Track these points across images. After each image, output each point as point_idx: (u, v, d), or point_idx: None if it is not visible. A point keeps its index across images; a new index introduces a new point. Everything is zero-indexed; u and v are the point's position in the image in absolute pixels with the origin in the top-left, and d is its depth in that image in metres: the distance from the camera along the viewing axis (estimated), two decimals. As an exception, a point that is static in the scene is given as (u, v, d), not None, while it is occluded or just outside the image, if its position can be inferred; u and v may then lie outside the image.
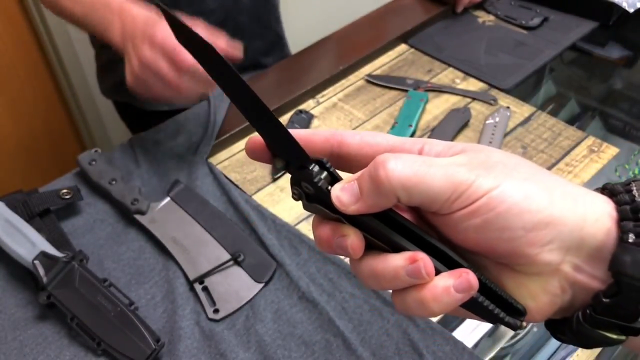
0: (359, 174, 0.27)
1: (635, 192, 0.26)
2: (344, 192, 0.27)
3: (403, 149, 0.29)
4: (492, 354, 0.57)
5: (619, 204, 0.26)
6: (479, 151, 0.27)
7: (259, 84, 0.85)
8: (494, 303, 0.27)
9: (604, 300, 0.26)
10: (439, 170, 0.26)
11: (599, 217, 0.26)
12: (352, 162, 0.30)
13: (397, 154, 0.26)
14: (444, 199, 0.26)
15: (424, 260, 0.26)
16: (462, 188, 0.26)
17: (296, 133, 0.29)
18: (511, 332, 0.58)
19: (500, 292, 0.28)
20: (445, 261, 0.27)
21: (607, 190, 0.28)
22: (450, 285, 0.26)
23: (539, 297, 0.27)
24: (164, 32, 0.62)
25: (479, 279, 0.27)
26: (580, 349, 0.57)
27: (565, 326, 0.28)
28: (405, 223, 0.28)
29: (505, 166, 0.27)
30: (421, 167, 0.26)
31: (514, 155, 0.28)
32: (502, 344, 0.58)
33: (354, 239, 0.28)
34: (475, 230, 0.26)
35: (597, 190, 0.28)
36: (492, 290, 0.28)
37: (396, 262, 0.27)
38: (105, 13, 0.69)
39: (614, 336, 0.27)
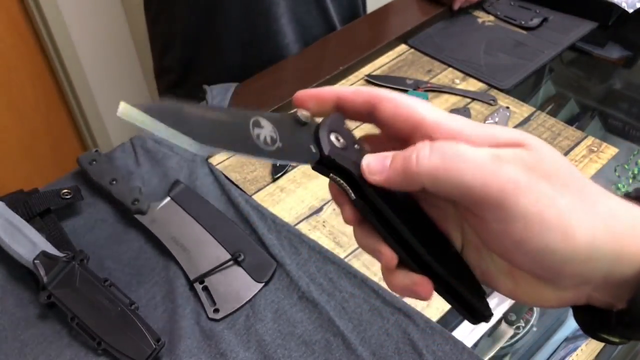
0: (397, 152, 0.27)
1: None
2: (376, 160, 0.27)
3: (441, 128, 0.27)
4: (491, 354, 0.57)
5: None
6: (542, 154, 0.25)
7: (259, 84, 0.85)
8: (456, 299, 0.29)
9: (614, 320, 0.26)
10: (473, 164, 0.24)
11: (633, 255, 0.24)
12: (386, 127, 0.29)
13: (438, 144, 0.25)
14: (486, 202, 0.24)
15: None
16: (505, 203, 0.24)
17: (337, 93, 0.30)
18: (511, 332, 0.59)
19: (467, 297, 0.28)
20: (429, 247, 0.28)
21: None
22: (407, 285, 0.28)
23: (549, 299, 0.27)
24: None
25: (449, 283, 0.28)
26: (579, 349, 0.57)
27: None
28: (400, 215, 0.28)
29: (571, 186, 0.24)
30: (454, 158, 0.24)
31: (567, 163, 0.26)
32: (501, 343, 0.58)
33: (348, 212, 0.29)
34: (509, 244, 0.25)
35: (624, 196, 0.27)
36: (457, 292, 0.29)
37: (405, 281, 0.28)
38: None
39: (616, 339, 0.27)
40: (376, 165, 0.26)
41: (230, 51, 0.92)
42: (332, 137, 0.28)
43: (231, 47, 0.91)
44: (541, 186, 0.24)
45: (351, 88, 0.30)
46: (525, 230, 0.23)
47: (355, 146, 0.29)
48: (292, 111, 0.29)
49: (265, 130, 0.26)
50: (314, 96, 0.29)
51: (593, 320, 0.27)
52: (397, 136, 0.28)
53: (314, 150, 0.27)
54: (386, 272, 0.29)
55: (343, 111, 0.29)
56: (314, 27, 0.95)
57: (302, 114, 0.28)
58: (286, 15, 0.90)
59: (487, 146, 0.25)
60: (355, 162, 0.27)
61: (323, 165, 0.28)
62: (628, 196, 0.28)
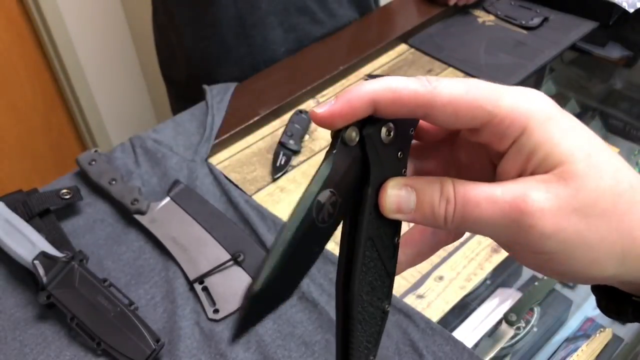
0: (420, 189, 0.25)
1: None
2: (398, 196, 0.24)
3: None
4: (492, 354, 0.57)
5: None
6: (581, 183, 0.22)
7: (259, 84, 0.85)
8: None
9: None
10: (491, 211, 0.23)
11: None
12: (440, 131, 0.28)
13: (459, 196, 0.24)
14: (500, 242, 0.25)
15: None
16: (527, 220, 0.22)
17: (376, 92, 0.24)
18: (511, 332, 0.58)
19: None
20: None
21: None
22: None
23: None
24: None
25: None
26: (580, 349, 0.57)
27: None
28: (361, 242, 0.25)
29: (609, 214, 0.23)
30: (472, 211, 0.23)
31: (611, 188, 0.23)
32: (502, 344, 0.58)
33: None
34: (533, 265, 0.25)
35: None
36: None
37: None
38: None
39: None
40: (398, 203, 0.24)
41: (230, 63, 0.92)
42: (383, 130, 0.24)
43: (229, 59, 0.91)
44: (572, 221, 0.22)
45: (386, 89, 0.23)
46: (550, 261, 0.24)
47: (399, 154, 0.25)
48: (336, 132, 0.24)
49: (324, 209, 0.23)
50: (344, 110, 0.23)
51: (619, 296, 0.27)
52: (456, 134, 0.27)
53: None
54: None
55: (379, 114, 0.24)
56: (309, 35, 0.94)
57: (349, 136, 0.23)
58: (281, 27, 0.91)
59: (518, 170, 0.24)
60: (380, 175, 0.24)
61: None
62: None
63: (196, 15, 0.90)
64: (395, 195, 0.24)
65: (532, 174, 0.23)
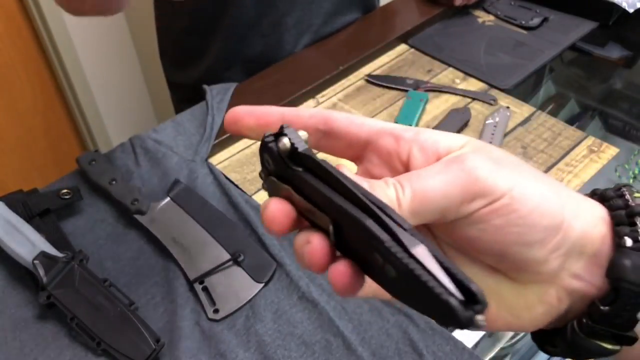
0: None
1: (627, 196, 0.26)
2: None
3: (392, 134, 0.27)
4: (492, 354, 0.57)
5: (611, 209, 0.26)
6: (481, 147, 0.26)
7: (259, 84, 0.85)
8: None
9: (601, 308, 0.25)
10: (438, 179, 0.24)
11: (596, 222, 0.26)
12: (338, 140, 0.28)
13: (403, 182, 0.24)
14: (456, 204, 0.24)
15: (311, 247, 0.23)
16: (475, 187, 0.24)
17: (282, 111, 0.29)
18: (511, 332, 0.58)
19: (454, 270, 0.20)
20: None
21: (596, 195, 0.27)
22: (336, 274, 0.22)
23: (535, 307, 0.26)
24: None
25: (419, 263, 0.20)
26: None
27: (556, 336, 0.27)
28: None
29: (512, 163, 0.25)
30: (419, 184, 0.24)
31: (510, 154, 0.27)
32: (502, 344, 0.58)
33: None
34: (492, 232, 0.24)
35: (586, 195, 0.28)
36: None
37: (300, 240, 0.24)
38: None
39: (609, 346, 0.26)
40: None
41: (243, 65, 0.92)
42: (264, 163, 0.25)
43: (243, 60, 0.91)
44: (505, 170, 0.25)
45: (293, 110, 0.29)
46: (509, 207, 0.24)
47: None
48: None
49: None
50: (255, 113, 0.28)
51: (580, 328, 0.26)
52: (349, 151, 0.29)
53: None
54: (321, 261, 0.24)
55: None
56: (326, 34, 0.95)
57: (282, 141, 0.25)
58: (297, 27, 0.91)
59: (434, 161, 0.26)
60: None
61: (268, 187, 0.25)
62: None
63: (212, 18, 0.90)
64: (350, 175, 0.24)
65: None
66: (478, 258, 0.27)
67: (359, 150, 0.28)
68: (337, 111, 0.29)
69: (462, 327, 0.19)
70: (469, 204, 0.24)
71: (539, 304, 0.26)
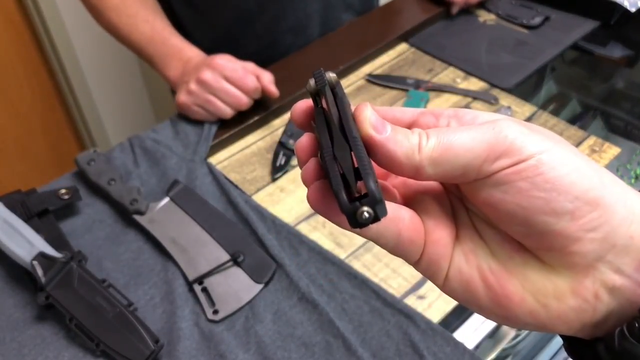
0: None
1: None
2: (376, 117, 0.24)
3: (433, 113, 0.27)
4: (493, 355, 0.57)
5: None
6: (519, 120, 0.25)
7: (258, 84, 0.85)
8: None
9: None
10: (466, 134, 0.23)
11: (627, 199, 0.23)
12: None
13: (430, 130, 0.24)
14: (479, 160, 0.23)
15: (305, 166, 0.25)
16: (503, 146, 0.23)
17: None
18: (512, 333, 0.58)
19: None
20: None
21: None
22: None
23: (565, 298, 0.23)
24: (222, 60, 0.74)
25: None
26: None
27: (597, 346, 0.24)
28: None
29: (549, 134, 0.24)
30: (445, 136, 0.23)
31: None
32: (503, 344, 0.57)
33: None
34: (516, 195, 0.22)
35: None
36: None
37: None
38: (163, 51, 0.79)
39: None
40: (375, 122, 0.24)
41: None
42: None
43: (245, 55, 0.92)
44: (539, 136, 0.23)
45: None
46: (536, 169, 0.22)
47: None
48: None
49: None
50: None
51: (631, 333, 0.23)
52: None
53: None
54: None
55: None
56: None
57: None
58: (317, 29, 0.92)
59: None
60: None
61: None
62: None
63: (204, 17, 0.90)
64: (372, 115, 0.24)
65: None
66: (505, 232, 0.25)
67: None
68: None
69: (350, 222, 0.21)
70: (493, 163, 0.23)
71: (571, 296, 0.23)
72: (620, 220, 0.22)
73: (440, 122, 0.27)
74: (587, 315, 0.23)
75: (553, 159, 0.22)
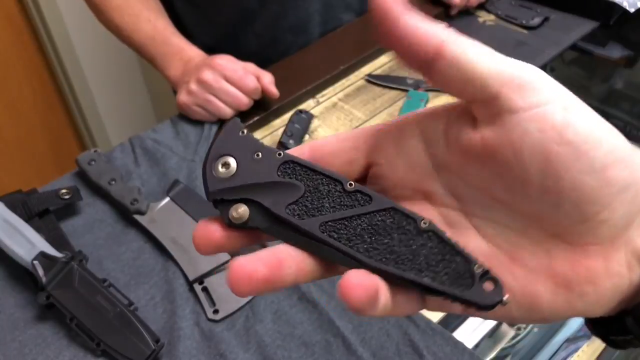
0: None
1: None
2: None
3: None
4: (492, 355, 0.57)
5: None
6: None
7: (258, 84, 0.85)
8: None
9: None
10: (485, 50, 0.21)
11: None
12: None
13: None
14: (498, 84, 0.20)
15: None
16: (523, 78, 0.20)
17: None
18: (512, 333, 0.58)
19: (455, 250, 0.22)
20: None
21: None
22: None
23: (600, 280, 0.21)
24: (222, 60, 0.74)
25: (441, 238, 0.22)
26: (580, 350, 0.57)
27: (627, 318, 0.22)
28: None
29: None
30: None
31: None
32: (502, 344, 0.58)
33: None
34: (545, 145, 0.20)
35: None
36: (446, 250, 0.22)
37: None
38: (165, 51, 0.79)
39: None
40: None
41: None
42: (219, 166, 0.23)
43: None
44: (560, 91, 0.21)
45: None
46: (559, 120, 0.20)
47: (256, 155, 0.24)
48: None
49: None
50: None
51: None
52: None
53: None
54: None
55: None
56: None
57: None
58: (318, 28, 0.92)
59: None
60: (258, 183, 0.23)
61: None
62: None
63: (204, 15, 0.90)
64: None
65: None
66: (526, 219, 0.22)
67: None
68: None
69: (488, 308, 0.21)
70: (512, 94, 0.20)
71: (606, 276, 0.21)
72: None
73: None
74: (623, 290, 0.21)
75: (580, 110, 0.20)
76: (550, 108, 0.20)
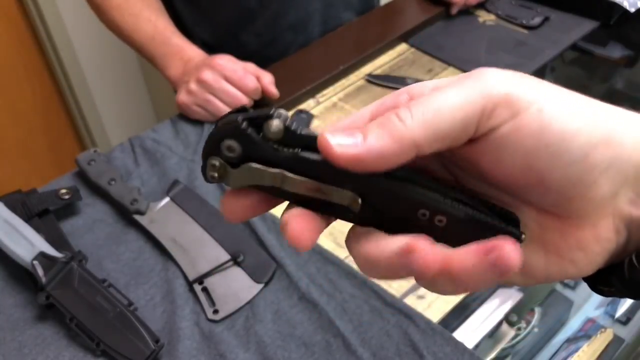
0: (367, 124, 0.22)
1: None
2: (343, 134, 0.21)
3: (384, 106, 0.24)
4: (492, 355, 0.57)
5: None
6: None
7: (258, 84, 0.85)
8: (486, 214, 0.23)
9: None
10: (451, 92, 0.21)
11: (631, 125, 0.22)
12: None
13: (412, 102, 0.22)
14: (476, 115, 0.21)
15: (422, 253, 0.20)
16: (496, 96, 0.21)
17: None
18: (512, 333, 0.58)
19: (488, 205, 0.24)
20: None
21: None
22: (474, 265, 0.20)
23: (589, 246, 0.23)
24: (222, 60, 0.74)
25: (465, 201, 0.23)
26: (581, 350, 0.57)
27: (611, 274, 0.24)
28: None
29: (536, 80, 0.22)
30: (428, 102, 0.21)
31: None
32: (502, 344, 0.58)
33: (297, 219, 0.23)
34: (525, 153, 0.21)
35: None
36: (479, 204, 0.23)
37: (390, 248, 0.21)
38: (165, 50, 0.79)
39: None
40: (346, 140, 0.21)
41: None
42: (222, 151, 0.23)
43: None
44: (528, 83, 0.22)
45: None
46: (539, 121, 0.21)
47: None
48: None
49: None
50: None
51: None
52: None
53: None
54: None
55: None
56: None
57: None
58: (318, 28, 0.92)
59: None
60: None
61: (240, 180, 0.23)
62: None
63: (204, 15, 0.90)
64: (334, 132, 0.21)
65: None
66: (520, 200, 0.24)
67: None
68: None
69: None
70: (491, 115, 0.21)
71: (594, 243, 0.23)
72: (630, 150, 0.21)
73: (400, 100, 0.24)
74: (611, 251, 0.23)
75: (554, 107, 0.21)
76: (525, 117, 0.21)
